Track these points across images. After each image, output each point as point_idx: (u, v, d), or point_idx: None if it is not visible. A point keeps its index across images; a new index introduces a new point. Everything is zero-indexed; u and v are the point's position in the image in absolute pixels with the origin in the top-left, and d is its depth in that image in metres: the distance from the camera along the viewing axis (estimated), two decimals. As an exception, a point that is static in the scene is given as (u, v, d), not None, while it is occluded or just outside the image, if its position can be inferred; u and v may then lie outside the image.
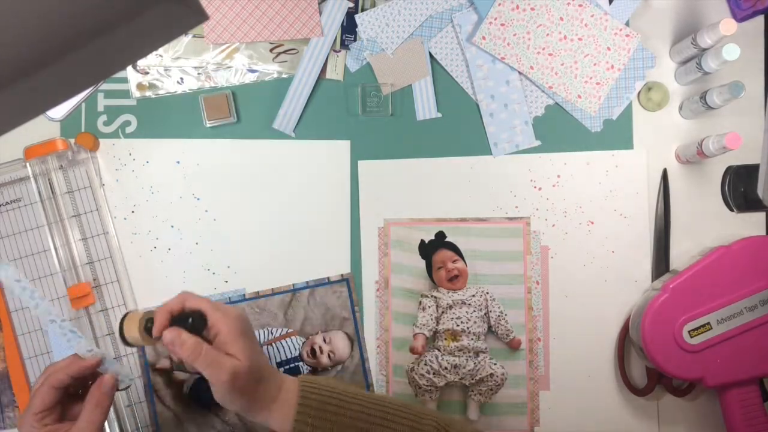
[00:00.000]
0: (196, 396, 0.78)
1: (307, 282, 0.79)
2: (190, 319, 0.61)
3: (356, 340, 0.79)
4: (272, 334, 0.78)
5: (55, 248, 0.82)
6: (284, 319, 0.79)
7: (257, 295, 0.79)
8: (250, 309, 0.79)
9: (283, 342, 0.78)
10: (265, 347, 0.78)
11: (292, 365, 0.78)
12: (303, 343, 0.78)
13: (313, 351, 0.79)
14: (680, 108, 0.84)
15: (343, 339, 0.80)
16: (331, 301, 0.80)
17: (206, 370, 0.59)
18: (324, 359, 0.78)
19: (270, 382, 0.62)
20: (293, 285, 0.79)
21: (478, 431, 0.64)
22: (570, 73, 0.84)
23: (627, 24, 0.84)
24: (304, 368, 0.78)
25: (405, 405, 0.64)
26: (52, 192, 0.83)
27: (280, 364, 0.78)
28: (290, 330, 0.78)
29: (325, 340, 0.78)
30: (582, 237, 0.84)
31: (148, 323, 0.61)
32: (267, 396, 0.61)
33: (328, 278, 0.81)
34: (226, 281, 0.84)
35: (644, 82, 0.84)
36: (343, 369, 0.79)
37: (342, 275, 0.80)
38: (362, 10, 0.85)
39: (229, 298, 0.79)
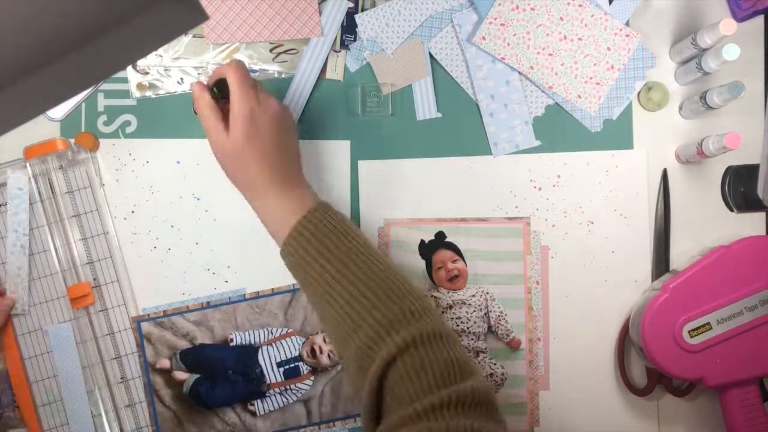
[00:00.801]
0: (196, 396, 0.78)
1: None
2: (214, 88, 0.69)
3: None
4: (272, 333, 0.78)
5: (55, 248, 0.82)
6: (284, 319, 0.79)
7: (257, 295, 0.79)
8: (251, 309, 0.79)
9: (283, 342, 0.78)
10: (264, 347, 0.78)
11: (292, 365, 0.78)
12: (303, 343, 0.79)
13: (313, 351, 0.79)
14: (680, 108, 0.85)
15: None
16: None
17: (206, 131, 0.69)
18: (324, 359, 0.78)
19: (261, 180, 0.68)
20: (293, 285, 0.79)
21: (447, 330, 0.61)
22: (570, 73, 0.84)
23: (627, 24, 0.84)
24: (304, 368, 0.78)
25: (393, 277, 0.63)
26: (52, 192, 0.83)
27: (280, 364, 0.78)
28: (290, 330, 0.79)
29: (325, 340, 0.78)
30: (582, 237, 0.84)
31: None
32: (257, 190, 0.68)
33: None
34: (226, 281, 0.84)
35: (644, 82, 0.84)
36: (344, 368, 0.79)
37: None
38: (362, 10, 0.85)
39: (229, 298, 0.79)
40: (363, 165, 0.85)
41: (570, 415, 0.83)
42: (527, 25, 0.83)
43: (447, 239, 0.84)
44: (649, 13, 0.85)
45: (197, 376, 0.77)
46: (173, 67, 0.85)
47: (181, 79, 0.85)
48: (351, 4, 0.85)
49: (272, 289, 0.81)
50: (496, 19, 0.83)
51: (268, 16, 0.84)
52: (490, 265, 0.83)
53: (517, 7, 0.83)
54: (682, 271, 0.78)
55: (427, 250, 0.84)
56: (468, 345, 0.82)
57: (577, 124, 0.85)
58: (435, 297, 0.83)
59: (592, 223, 0.84)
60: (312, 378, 0.77)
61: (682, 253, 0.83)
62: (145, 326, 0.75)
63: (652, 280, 0.83)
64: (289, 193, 0.68)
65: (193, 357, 0.78)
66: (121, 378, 0.82)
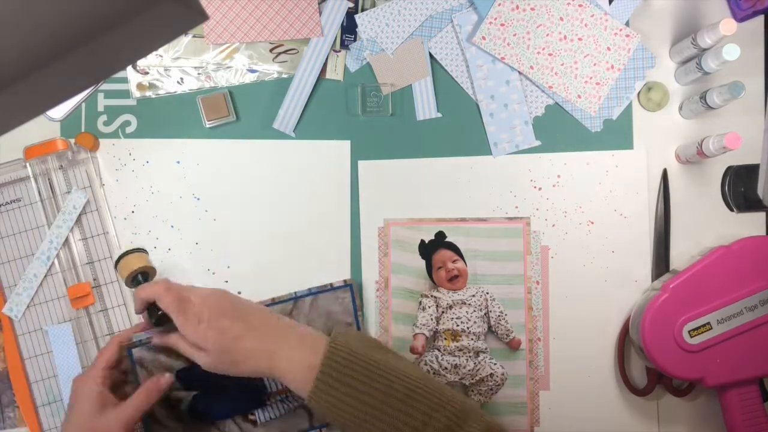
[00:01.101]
0: (194, 412, 0.75)
1: (309, 289, 0.77)
2: (159, 312, 0.68)
3: None
4: None
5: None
6: None
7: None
8: None
9: None
10: None
11: None
12: None
13: None
14: (680, 108, 0.85)
15: None
16: (334, 308, 0.78)
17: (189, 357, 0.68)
18: None
19: (255, 359, 0.66)
20: (295, 293, 0.77)
21: (495, 423, 0.63)
22: (570, 73, 0.84)
23: (627, 24, 0.84)
24: None
25: (427, 383, 0.64)
26: (52, 192, 0.83)
27: None
28: None
29: None
30: (582, 237, 0.84)
31: (137, 277, 0.73)
32: (257, 369, 0.66)
33: (331, 284, 0.79)
34: (226, 281, 0.84)
35: (644, 82, 0.84)
36: None
37: (345, 281, 0.78)
38: (362, 10, 0.85)
39: None
40: (363, 165, 0.85)
41: (570, 415, 0.83)
42: (527, 25, 0.83)
43: (447, 239, 0.84)
44: (649, 13, 0.85)
45: (195, 393, 0.75)
46: (173, 67, 0.85)
47: (181, 79, 0.85)
48: (351, 4, 0.85)
49: (272, 298, 0.79)
50: (496, 19, 0.83)
51: (268, 16, 0.84)
52: (490, 265, 0.83)
53: (517, 7, 0.83)
54: (682, 271, 0.78)
55: (427, 250, 0.84)
56: (468, 345, 0.82)
57: (577, 124, 0.85)
58: (435, 297, 0.83)
59: (592, 223, 0.84)
60: None
61: (682, 253, 0.83)
62: (137, 352, 0.72)
63: (652, 280, 0.83)
64: (294, 344, 0.67)
65: (189, 375, 0.75)
66: (121, 378, 0.82)
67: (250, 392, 0.75)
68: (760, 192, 0.72)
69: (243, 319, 0.67)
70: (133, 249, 0.77)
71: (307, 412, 0.76)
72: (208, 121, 0.83)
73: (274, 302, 0.75)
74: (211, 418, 0.74)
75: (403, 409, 0.62)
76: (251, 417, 0.75)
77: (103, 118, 0.85)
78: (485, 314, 0.83)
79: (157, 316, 0.68)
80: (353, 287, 0.78)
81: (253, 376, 0.67)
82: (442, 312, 0.83)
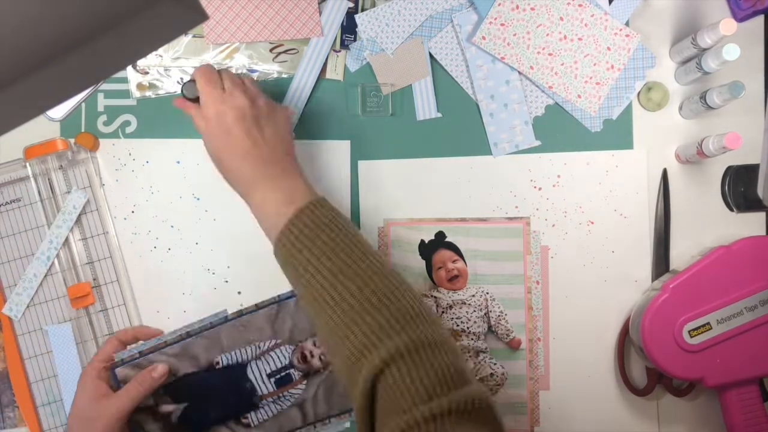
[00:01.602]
0: (186, 423, 0.73)
1: (292, 291, 0.72)
2: (183, 91, 0.70)
3: None
4: (259, 348, 0.73)
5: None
6: (272, 331, 0.74)
7: (240, 314, 0.72)
8: (234, 328, 0.72)
9: (272, 353, 0.73)
10: (253, 362, 0.74)
11: (283, 374, 0.75)
12: (293, 351, 0.74)
13: (303, 356, 0.75)
14: (680, 108, 0.85)
15: None
16: None
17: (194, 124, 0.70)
18: (315, 362, 0.74)
19: (239, 181, 0.69)
20: (278, 296, 0.73)
21: (444, 340, 0.58)
22: (570, 73, 0.84)
23: (627, 24, 0.84)
24: (296, 374, 0.75)
25: (389, 276, 0.60)
26: (52, 192, 0.83)
27: (270, 375, 0.75)
28: (279, 341, 0.74)
29: (315, 344, 0.76)
30: (582, 237, 0.84)
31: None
32: (245, 186, 0.68)
33: None
34: (226, 281, 0.84)
35: (644, 82, 0.84)
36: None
37: None
38: (362, 10, 0.85)
39: (210, 322, 0.71)
40: (363, 165, 0.85)
41: (570, 415, 0.83)
42: (527, 25, 0.83)
43: (447, 239, 0.84)
44: (649, 13, 0.85)
45: (185, 404, 0.73)
46: (173, 67, 0.85)
47: (181, 79, 0.85)
48: (351, 4, 0.85)
49: (255, 304, 0.74)
50: (496, 19, 0.83)
51: (268, 16, 0.84)
52: (490, 265, 0.83)
53: (517, 7, 0.83)
54: (682, 271, 0.78)
55: (427, 250, 0.84)
56: (468, 345, 0.82)
57: (577, 124, 0.85)
58: (435, 297, 0.83)
59: (592, 223, 0.84)
60: (305, 382, 0.75)
61: (682, 253, 0.83)
62: (120, 371, 0.71)
63: (652, 280, 0.83)
64: (280, 185, 0.67)
65: (176, 389, 0.72)
66: (121, 378, 0.82)
67: (241, 397, 0.74)
68: (760, 192, 0.72)
69: (254, 139, 0.68)
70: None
71: (300, 410, 0.75)
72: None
73: (257, 308, 0.72)
74: (204, 424, 0.74)
75: (363, 284, 0.59)
76: (244, 420, 0.75)
77: (103, 118, 0.85)
78: (485, 314, 0.83)
79: (185, 94, 0.70)
80: None
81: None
82: (442, 312, 0.83)
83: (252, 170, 0.67)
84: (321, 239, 0.62)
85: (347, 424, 0.76)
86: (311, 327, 0.73)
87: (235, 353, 0.72)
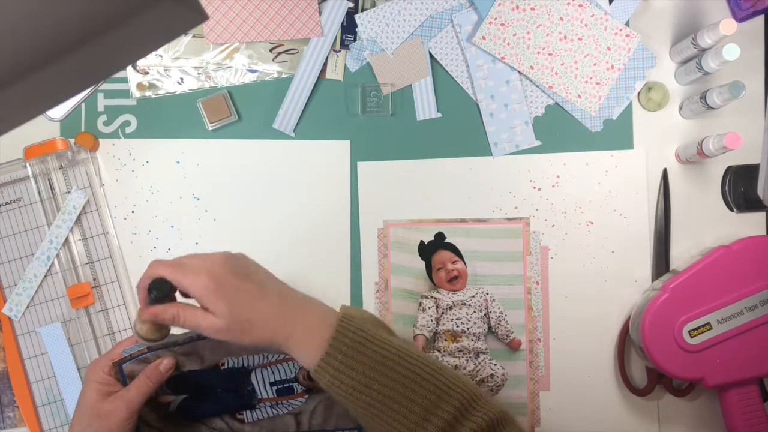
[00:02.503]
0: (183, 410, 0.74)
1: None
2: (153, 292, 0.60)
3: None
4: (267, 358, 0.73)
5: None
6: None
7: None
8: None
9: (279, 366, 0.72)
10: (258, 369, 0.74)
11: (286, 385, 0.75)
12: (300, 368, 0.73)
13: (310, 376, 0.75)
14: (680, 108, 0.85)
15: None
16: None
17: (193, 330, 0.62)
18: None
19: (272, 324, 0.61)
20: None
21: (504, 413, 0.61)
22: (570, 73, 0.84)
23: (627, 24, 0.84)
24: (299, 388, 0.75)
25: (436, 367, 0.61)
26: (52, 192, 0.83)
27: (273, 384, 0.74)
28: (287, 356, 0.72)
29: None
30: (582, 237, 0.84)
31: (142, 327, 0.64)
32: (274, 336, 0.61)
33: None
34: (226, 281, 0.84)
35: (644, 82, 0.84)
36: None
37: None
38: (362, 10, 0.85)
39: None
40: (363, 166, 0.85)
41: (570, 415, 0.83)
42: (527, 25, 0.83)
43: (447, 240, 0.84)
44: (649, 13, 0.85)
45: (184, 396, 0.72)
46: (173, 67, 0.85)
47: (181, 79, 0.85)
48: (351, 4, 0.85)
49: None
50: (496, 19, 0.83)
51: (268, 16, 0.84)
52: (489, 265, 0.83)
53: (517, 7, 0.83)
54: (682, 271, 0.78)
55: (426, 250, 0.84)
56: (468, 346, 0.82)
57: (577, 124, 0.85)
58: (435, 298, 0.83)
59: (592, 223, 0.84)
60: (306, 396, 0.73)
61: (682, 253, 0.83)
62: (128, 367, 0.70)
63: (652, 280, 0.83)
64: (309, 315, 0.63)
65: (178, 382, 0.71)
66: (121, 378, 0.82)
67: (240, 397, 0.74)
68: (760, 192, 0.72)
69: (258, 282, 0.63)
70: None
71: (295, 419, 0.75)
72: (211, 123, 0.83)
73: None
74: (200, 413, 0.74)
75: (409, 392, 0.60)
76: (239, 416, 0.74)
77: (103, 118, 0.85)
78: (485, 315, 0.83)
79: (155, 295, 0.61)
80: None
81: (260, 347, 0.64)
82: (442, 313, 0.83)
83: (272, 317, 0.62)
84: (363, 360, 0.61)
85: None
86: None
87: (242, 358, 0.71)
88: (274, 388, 0.73)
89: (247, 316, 0.60)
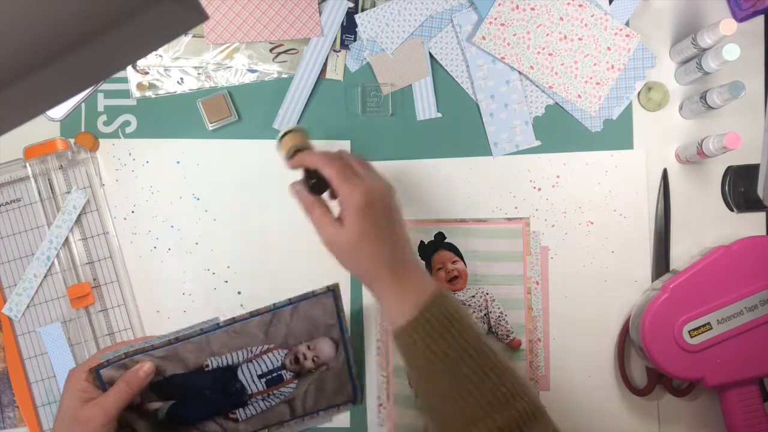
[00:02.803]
0: (174, 419, 0.72)
1: (289, 299, 0.71)
2: (313, 180, 0.67)
3: (341, 343, 0.74)
4: (251, 352, 0.72)
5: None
6: (265, 338, 0.72)
7: (233, 321, 0.70)
8: (227, 335, 0.70)
9: (264, 357, 0.73)
10: (244, 364, 0.74)
11: (275, 374, 0.74)
12: (285, 354, 0.73)
13: (296, 359, 0.74)
14: (680, 108, 0.85)
15: (327, 343, 0.75)
16: (316, 313, 0.73)
17: (315, 228, 0.67)
18: (308, 364, 0.74)
19: (378, 266, 0.64)
20: (274, 305, 0.71)
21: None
22: (570, 73, 0.84)
23: (627, 24, 0.84)
24: (287, 375, 0.74)
25: (510, 369, 0.63)
26: (52, 192, 0.83)
27: (261, 376, 0.74)
28: (271, 345, 0.73)
29: (309, 347, 0.74)
30: (582, 237, 0.84)
31: (295, 150, 0.71)
32: (379, 278, 0.65)
33: (313, 292, 0.73)
34: (226, 281, 0.84)
35: (644, 82, 0.84)
36: (329, 370, 0.76)
37: (328, 287, 0.72)
38: (362, 10, 0.85)
39: (201, 329, 0.69)
40: (363, 165, 0.85)
41: (570, 415, 0.83)
42: (527, 25, 0.83)
43: (446, 240, 0.84)
44: (649, 13, 0.85)
45: (172, 402, 0.72)
46: (173, 67, 0.85)
47: (181, 79, 0.85)
48: (351, 4, 0.85)
49: (249, 312, 0.72)
50: (496, 19, 0.83)
51: (268, 16, 0.84)
52: (489, 265, 0.83)
53: (517, 7, 0.83)
54: (682, 271, 0.78)
55: (426, 250, 0.84)
56: (468, 345, 0.82)
57: (577, 124, 0.85)
58: (435, 297, 0.83)
59: (592, 223, 0.84)
60: (296, 381, 0.74)
61: (682, 253, 0.83)
62: (106, 372, 0.70)
63: (652, 280, 0.83)
64: (405, 280, 0.65)
65: (163, 388, 0.71)
66: (121, 378, 0.82)
67: (229, 396, 0.73)
68: (760, 192, 0.72)
69: (391, 230, 0.65)
70: (293, 129, 0.75)
71: (289, 406, 0.75)
72: (211, 123, 0.83)
73: (251, 315, 0.70)
74: (191, 418, 0.73)
75: (478, 385, 0.61)
76: (232, 415, 0.74)
77: (103, 118, 0.85)
78: (485, 315, 0.83)
79: (312, 184, 0.67)
80: (336, 291, 0.72)
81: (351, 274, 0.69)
82: (442, 312, 0.83)
83: (385, 263, 0.65)
84: (446, 335, 0.62)
85: (330, 420, 0.76)
86: (306, 333, 0.72)
87: (226, 357, 0.71)
88: (263, 379, 0.73)
89: (367, 249, 0.64)
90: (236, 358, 0.72)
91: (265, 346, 0.72)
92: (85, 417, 0.64)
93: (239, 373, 0.72)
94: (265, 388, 0.74)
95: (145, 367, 0.67)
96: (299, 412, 0.75)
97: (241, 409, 0.74)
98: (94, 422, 0.63)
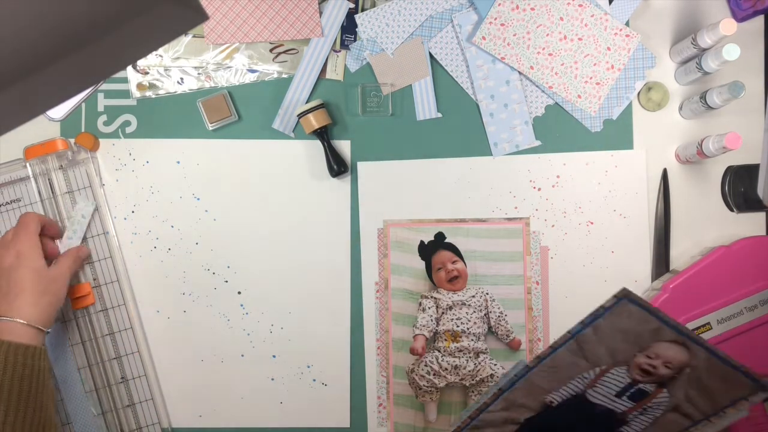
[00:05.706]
0: None
1: (582, 322, 0.64)
2: None
3: (688, 341, 0.65)
4: (586, 378, 0.67)
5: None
6: (587, 362, 0.66)
7: (538, 361, 0.65)
8: (544, 373, 0.66)
9: (605, 378, 0.68)
10: (589, 390, 0.68)
11: (632, 390, 0.68)
12: (626, 370, 0.67)
13: (645, 371, 0.67)
14: (680, 108, 0.85)
15: (669, 347, 0.66)
16: (626, 324, 0.65)
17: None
18: (662, 371, 0.67)
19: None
20: (570, 332, 0.64)
21: None
22: (570, 73, 0.84)
23: (627, 24, 0.84)
24: (649, 387, 0.68)
25: None
26: (52, 192, 0.83)
27: (619, 394, 0.68)
28: (603, 367, 0.67)
29: (648, 356, 0.66)
30: (582, 237, 0.84)
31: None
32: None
33: (602, 307, 0.64)
34: (226, 281, 0.84)
35: (644, 82, 0.84)
36: (695, 370, 0.67)
37: (615, 296, 0.62)
38: (362, 10, 0.85)
39: (515, 375, 0.66)
40: (362, 166, 0.85)
41: (570, 415, 0.82)
42: (527, 25, 0.83)
43: (447, 240, 0.84)
44: (649, 13, 0.85)
45: None
46: (173, 67, 0.85)
47: (181, 79, 0.85)
48: (351, 5, 0.85)
49: (550, 346, 0.66)
50: (496, 19, 0.83)
51: (268, 16, 0.84)
52: (489, 265, 0.83)
53: (517, 7, 0.83)
54: (682, 271, 0.78)
55: (426, 250, 0.84)
56: (468, 346, 0.82)
57: (577, 124, 0.85)
58: (435, 298, 0.83)
59: (592, 223, 0.84)
60: (665, 390, 0.67)
61: (682, 253, 0.83)
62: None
63: (652, 280, 0.83)
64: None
65: (537, 424, 0.68)
66: (121, 378, 0.82)
67: (599, 419, 0.69)
68: (760, 192, 0.72)
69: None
70: (315, 106, 0.82)
71: (679, 413, 0.68)
72: (211, 123, 0.83)
73: (554, 349, 0.65)
74: None
75: None
76: None
77: (103, 118, 0.85)
78: (485, 315, 0.83)
79: None
80: (629, 296, 0.62)
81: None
82: (442, 313, 0.83)
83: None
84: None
85: (746, 412, 0.68)
86: (634, 345, 0.65)
87: (563, 390, 0.67)
88: (623, 397, 0.68)
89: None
90: (575, 387, 0.68)
91: (597, 369, 0.67)
92: (53, 276, 0.76)
93: (591, 399, 0.68)
94: (633, 404, 0.68)
95: (83, 248, 0.81)
96: (697, 417, 0.68)
97: (624, 427, 0.69)
98: (63, 279, 0.77)
